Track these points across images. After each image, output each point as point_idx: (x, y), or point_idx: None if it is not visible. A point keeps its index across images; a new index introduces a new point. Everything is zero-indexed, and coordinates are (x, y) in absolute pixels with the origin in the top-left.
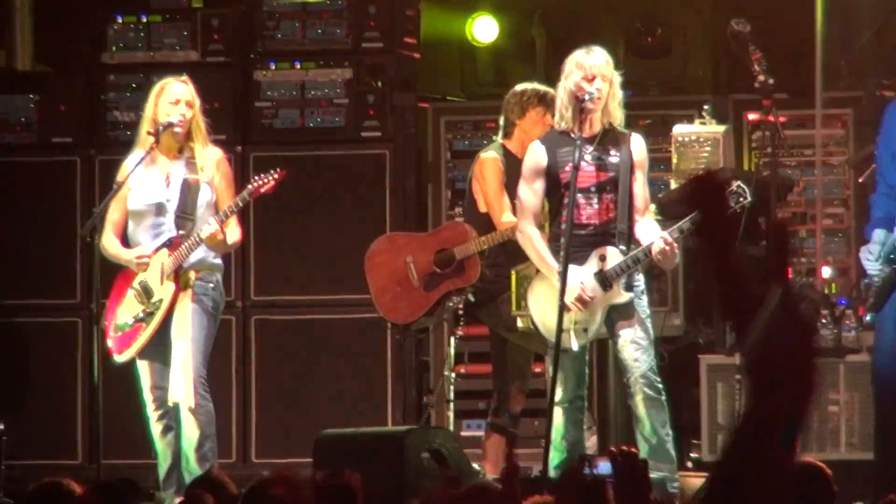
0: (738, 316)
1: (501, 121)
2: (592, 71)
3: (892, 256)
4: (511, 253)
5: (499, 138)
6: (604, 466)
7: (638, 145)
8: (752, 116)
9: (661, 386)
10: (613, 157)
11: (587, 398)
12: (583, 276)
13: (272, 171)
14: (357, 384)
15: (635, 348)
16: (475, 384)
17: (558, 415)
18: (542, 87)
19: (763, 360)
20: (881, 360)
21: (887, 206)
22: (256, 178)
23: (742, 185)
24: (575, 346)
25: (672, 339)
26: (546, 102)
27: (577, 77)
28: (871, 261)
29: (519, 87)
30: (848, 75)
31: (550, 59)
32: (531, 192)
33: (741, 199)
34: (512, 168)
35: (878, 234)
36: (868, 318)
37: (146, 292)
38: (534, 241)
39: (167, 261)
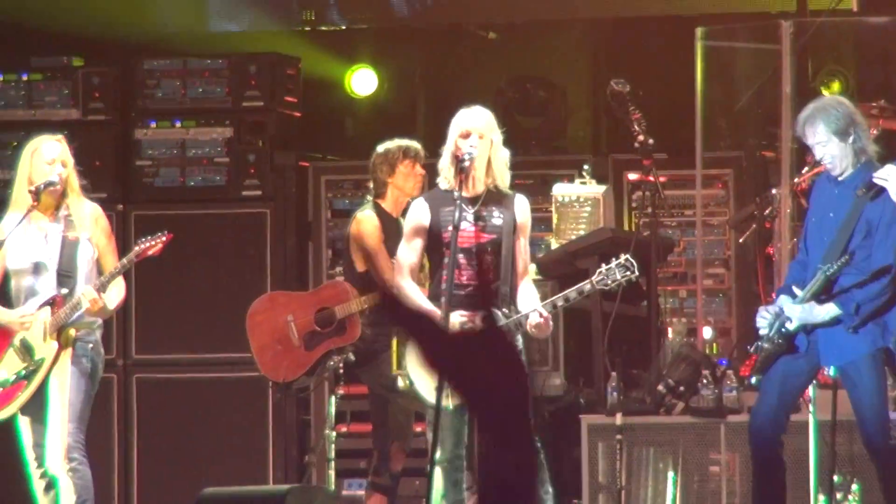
0: None
1: (371, 183)
2: (467, 128)
3: (783, 328)
4: None
5: (371, 198)
6: None
7: (522, 207)
8: (632, 176)
9: (538, 445)
10: (496, 219)
11: (466, 458)
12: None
13: (159, 234)
14: (238, 442)
15: None
16: (356, 443)
17: (438, 475)
18: (404, 142)
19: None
20: (758, 423)
21: (798, 273)
22: (143, 240)
23: (630, 259)
24: (450, 405)
25: (553, 399)
26: (411, 155)
27: (454, 135)
28: (764, 321)
29: (381, 148)
30: (728, 135)
31: (431, 118)
32: (410, 250)
33: (628, 272)
34: (387, 226)
35: (781, 300)
36: (753, 380)
37: (27, 350)
38: (410, 294)
39: (49, 319)
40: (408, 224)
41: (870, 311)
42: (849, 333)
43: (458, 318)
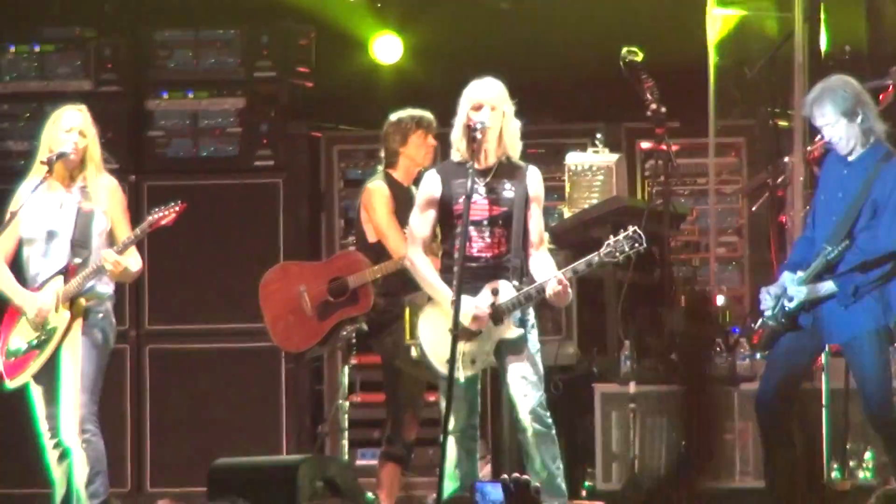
0: None
1: (382, 152)
2: (479, 100)
3: (787, 306)
4: (404, 282)
5: (382, 167)
6: (496, 494)
7: (534, 179)
8: (644, 145)
9: (549, 420)
10: (508, 192)
11: (480, 427)
12: (476, 306)
13: (172, 204)
14: (251, 413)
15: (524, 384)
16: (369, 413)
17: (451, 444)
18: (417, 112)
19: None
20: (764, 400)
21: (804, 250)
22: (156, 210)
23: (638, 230)
24: (461, 376)
25: (566, 368)
26: (424, 125)
27: (466, 107)
28: (767, 301)
29: (394, 116)
30: (741, 104)
31: (447, 87)
32: (422, 221)
33: (636, 244)
34: (399, 196)
35: (784, 277)
36: (758, 356)
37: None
38: (421, 269)
39: (62, 288)
40: (420, 196)
41: (867, 292)
42: (852, 311)
43: (470, 310)
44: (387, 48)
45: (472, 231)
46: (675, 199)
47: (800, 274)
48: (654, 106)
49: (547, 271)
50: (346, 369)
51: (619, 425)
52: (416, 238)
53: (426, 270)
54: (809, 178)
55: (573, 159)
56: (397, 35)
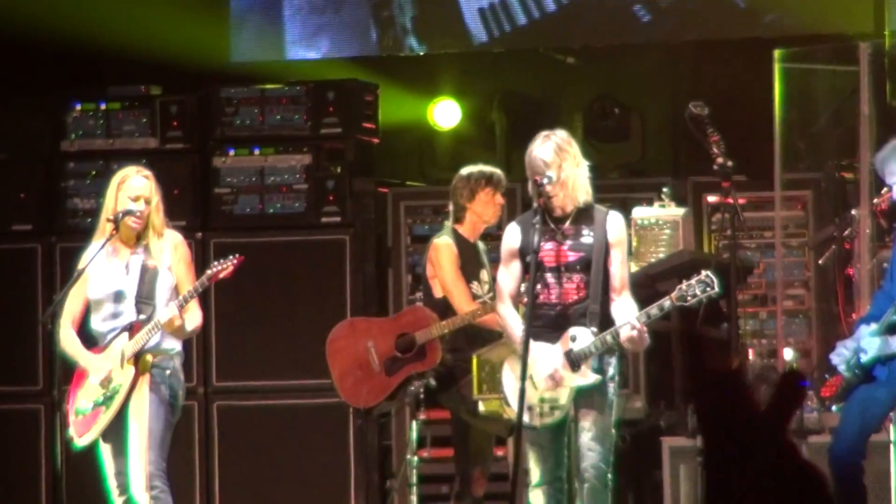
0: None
1: (451, 206)
2: (535, 171)
3: (860, 359)
4: (471, 337)
5: (450, 223)
6: None
7: (615, 223)
8: (711, 198)
9: (609, 478)
10: (587, 237)
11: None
12: (553, 356)
13: (231, 257)
14: (320, 469)
15: (592, 436)
16: (438, 468)
17: (538, 498)
18: (487, 168)
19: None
20: (838, 451)
21: (882, 304)
22: (215, 263)
23: (711, 274)
24: (538, 423)
25: (634, 422)
26: (493, 183)
27: (529, 171)
28: (840, 358)
29: (465, 171)
30: (807, 157)
31: (511, 143)
32: (507, 275)
33: (708, 288)
34: (465, 252)
35: (861, 330)
36: (833, 408)
37: (106, 377)
38: (509, 325)
39: (127, 345)
40: (503, 249)
41: None
42: None
43: (548, 370)
44: (445, 113)
45: (551, 278)
46: (742, 252)
47: (873, 326)
48: (720, 160)
49: (628, 316)
50: (415, 424)
51: (687, 479)
52: (503, 292)
53: (514, 326)
54: (876, 231)
55: (640, 214)
56: (454, 100)
